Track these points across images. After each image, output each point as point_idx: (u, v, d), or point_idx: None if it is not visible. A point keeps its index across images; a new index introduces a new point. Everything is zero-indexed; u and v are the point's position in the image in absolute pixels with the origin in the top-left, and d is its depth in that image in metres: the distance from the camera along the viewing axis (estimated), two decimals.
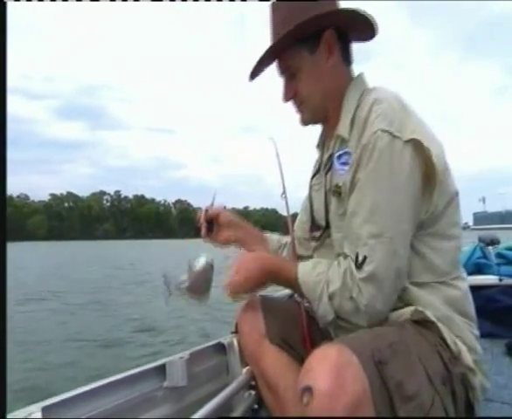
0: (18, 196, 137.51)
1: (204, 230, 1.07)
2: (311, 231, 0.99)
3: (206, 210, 1.08)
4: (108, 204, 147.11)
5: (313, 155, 1.06)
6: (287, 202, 1.10)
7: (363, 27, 0.87)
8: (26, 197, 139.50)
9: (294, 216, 1.14)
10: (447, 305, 0.78)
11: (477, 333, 0.81)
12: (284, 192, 1.11)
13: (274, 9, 0.91)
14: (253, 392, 1.09)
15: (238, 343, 1.12)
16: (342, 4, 0.89)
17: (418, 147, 0.74)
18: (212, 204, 1.08)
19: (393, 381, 0.61)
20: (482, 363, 0.79)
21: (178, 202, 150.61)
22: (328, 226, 0.91)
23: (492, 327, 1.76)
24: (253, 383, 1.07)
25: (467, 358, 0.75)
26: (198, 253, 0.94)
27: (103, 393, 0.79)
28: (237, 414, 1.02)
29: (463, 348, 0.75)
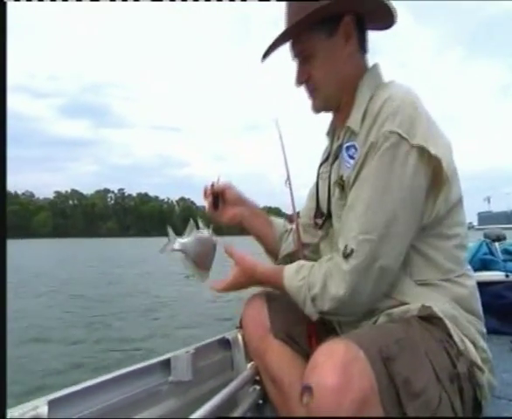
0: (24, 194, 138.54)
1: (209, 205, 1.05)
2: (315, 218, 1.00)
3: (212, 185, 1.05)
4: (112, 202, 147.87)
5: (314, 157, 1.06)
6: (290, 189, 1.09)
7: (381, 15, 0.86)
8: (31, 195, 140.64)
9: (298, 214, 1.12)
10: (454, 302, 0.77)
11: (484, 330, 0.81)
12: (288, 179, 1.10)
13: None
14: (258, 387, 1.09)
15: (243, 338, 1.12)
16: None
17: (425, 153, 0.73)
18: (218, 180, 1.05)
19: (400, 377, 0.60)
20: (489, 361, 0.78)
21: (182, 199, 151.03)
22: (329, 215, 0.92)
23: (498, 324, 1.75)
24: (258, 378, 1.07)
25: (475, 355, 0.75)
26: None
27: (109, 387, 0.79)
28: (241, 409, 1.02)
29: (470, 346, 0.75)
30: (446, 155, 0.75)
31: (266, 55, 0.92)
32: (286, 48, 0.92)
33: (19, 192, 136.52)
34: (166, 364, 0.93)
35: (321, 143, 1.07)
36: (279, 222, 1.15)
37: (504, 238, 2.21)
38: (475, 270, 1.97)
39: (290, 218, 1.13)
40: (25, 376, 3.75)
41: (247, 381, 1.06)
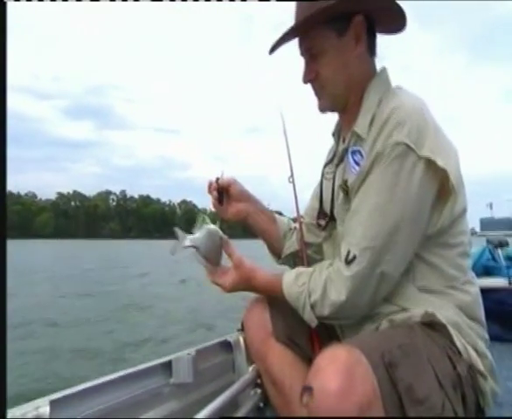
0: (26, 194, 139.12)
1: (213, 200, 1.03)
2: (318, 218, 0.99)
3: (217, 179, 1.02)
4: (114, 204, 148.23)
5: (317, 159, 1.06)
6: (294, 187, 1.08)
7: (391, 18, 0.85)
8: (34, 195, 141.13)
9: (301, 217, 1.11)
10: (458, 309, 0.77)
11: (487, 337, 0.81)
12: (292, 175, 1.09)
13: None
14: (259, 390, 1.09)
15: (245, 341, 1.12)
16: None
17: (432, 165, 0.73)
18: (222, 175, 1.03)
19: (403, 383, 0.60)
20: (492, 368, 0.78)
21: (183, 202, 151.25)
22: (332, 217, 0.92)
23: (501, 331, 1.74)
24: (259, 381, 1.07)
25: (478, 363, 0.74)
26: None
27: (110, 388, 0.79)
28: (242, 412, 1.01)
29: (473, 353, 0.74)
30: (453, 166, 0.75)
31: (273, 49, 0.91)
32: (290, 49, 0.91)
33: (22, 192, 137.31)
34: (167, 366, 0.93)
35: (325, 145, 1.06)
36: (283, 220, 1.14)
37: (507, 244, 2.21)
38: (478, 276, 1.96)
39: (294, 219, 1.12)
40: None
41: (248, 383, 1.05)
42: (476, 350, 0.76)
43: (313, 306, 0.80)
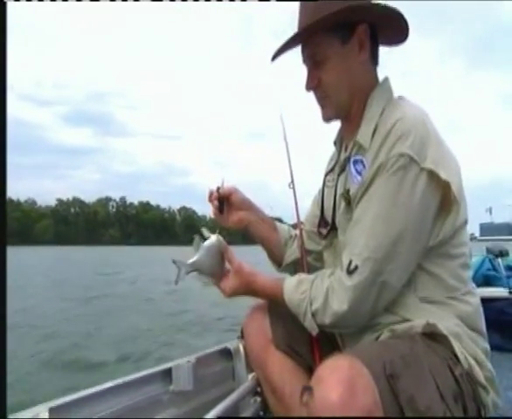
0: (26, 201, 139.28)
1: (214, 209, 1.03)
2: (319, 227, 0.99)
3: (218, 188, 1.02)
4: (114, 210, 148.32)
5: (318, 166, 1.06)
6: (294, 193, 1.08)
7: (394, 28, 0.85)
8: (34, 202, 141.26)
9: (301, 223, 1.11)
10: (459, 320, 0.77)
11: (488, 348, 0.80)
12: (292, 181, 1.09)
13: None
14: (259, 398, 1.08)
15: (244, 348, 1.12)
16: None
17: (434, 177, 0.73)
18: (222, 183, 1.03)
19: (405, 394, 0.60)
20: (493, 379, 0.77)
21: (183, 209, 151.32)
22: (333, 226, 0.92)
23: (501, 340, 1.74)
24: (259, 389, 1.06)
25: (479, 374, 0.74)
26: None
27: (110, 395, 0.79)
28: None
29: (474, 364, 0.74)
30: (455, 178, 0.75)
31: (275, 56, 0.90)
32: (292, 55, 0.90)
33: (22, 199, 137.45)
34: (167, 373, 0.93)
35: (326, 151, 1.05)
36: (284, 228, 1.14)
37: (507, 253, 2.21)
38: (478, 285, 1.96)
39: (294, 225, 1.12)
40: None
41: (248, 391, 1.05)
42: (477, 361, 0.75)
43: (314, 314, 0.80)
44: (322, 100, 0.89)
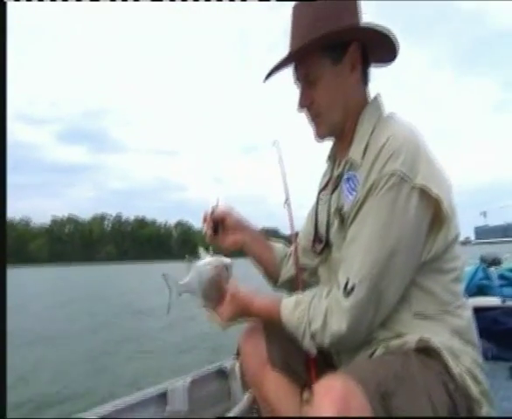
0: (20, 221, 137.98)
1: (209, 232, 1.03)
2: (314, 243, 1.00)
3: (212, 211, 1.02)
4: (109, 227, 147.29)
5: (315, 177, 1.06)
6: (289, 211, 1.09)
7: (385, 49, 0.87)
8: (28, 221, 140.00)
9: (297, 234, 1.12)
10: (452, 334, 0.78)
11: (481, 360, 0.81)
12: (287, 199, 1.10)
13: (299, 11, 0.89)
14: (256, 417, 1.07)
15: (240, 367, 1.11)
16: None
17: (426, 194, 0.74)
18: (217, 205, 1.03)
19: (399, 412, 0.60)
20: (488, 393, 0.77)
21: (179, 224, 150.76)
22: (327, 243, 0.93)
23: (496, 350, 1.74)
24: (256, 408, 1.06)
25: (473, 389, 0.74)
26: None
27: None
28: None
29: (468, 377, 0.74)
30: (446, 195, 0.76)
31: (268, 76, 0.92)
32: (287, 70, 0.91)
33: (16, 218, 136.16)
34: (163, 395, 0.92)
35: (323, 162, 1.06)
36: (279, 246, 1.15)
37: (500, 262, 2.23)
38: (472, 295, 1.99)
39: (289, 240, 1.13)
40: None
41: (244, 411, 1.04)
42: (471, 374, 0.75)
43: (313, 335, 0.80)
44: (315, 119, 0.91)
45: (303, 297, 0.86)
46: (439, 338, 0.75)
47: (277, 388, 0.93)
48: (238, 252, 1.09)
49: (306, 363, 0.93)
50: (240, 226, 1.07)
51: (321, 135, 0.93)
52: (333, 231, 0.90)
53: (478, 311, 1.84)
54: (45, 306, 12.08)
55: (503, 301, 1.89)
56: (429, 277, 0.79)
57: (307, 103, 0.90)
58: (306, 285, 1.06)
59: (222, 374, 1.13)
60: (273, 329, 0.99)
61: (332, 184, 0.94)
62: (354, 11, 0.87)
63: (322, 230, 0.96)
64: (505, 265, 2.18)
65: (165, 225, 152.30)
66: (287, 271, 1.11)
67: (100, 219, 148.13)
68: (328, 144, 1.02)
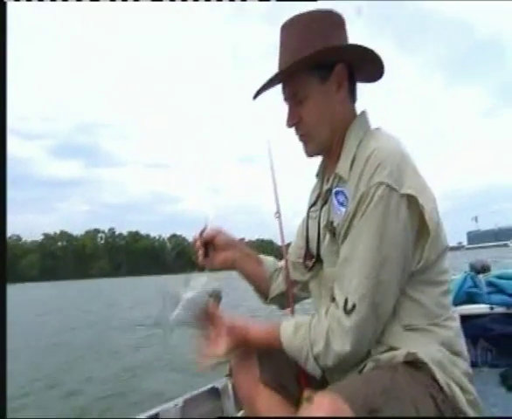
0: (10, 238, 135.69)
1: (200, 257, 1.04)
2: (305, 259, 1.00)
3: (201, 233, 1.04)
4: (103, 242, 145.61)
5: (308, 186, 1.07)
6: (280, 223, 1.10)
7: (371, 68, 0.90)
8: (18, 238, 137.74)
9: (288, 245, 1.13)
10: (441, 346, 0.79)
11: (470, 370, 0.82)
12: (278, 211, 1.11)
13: (287, 31, 0.91)
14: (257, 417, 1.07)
15: (233, 386, 1.11)
16: None
17: (413, 202, 0.76)
18: (205, 227, 1.04)
19: None
20: (476, 403, 0.79)
21: (173, 236, 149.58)
22: (318, 258, 0.94)
23: (485, 357, 1.77)
24: None
25: (461, 399, 0.75)
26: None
27: None
28: None
29: (456, 389, 0.76)
30: (430, 205, 0.78)
31: (257, 95, 0.93)
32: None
33: (7, 234, 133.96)
34: None
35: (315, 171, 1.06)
36: (269, 261, 1.15)
37: (489, 269, 2.28)
38: (461, 303, 2.02)
39: (280, 254, 1.13)
40: None
41: None
42: (459, 385, 0.77)
43: (316, 358, 0.80)
44: (304, 137, 0.93)
45: (302, 320, 0.85)
46: (428, 350, 0.77)
47: (269, 405, 0.94)
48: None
49: (298, 380, 0.94)
50: (230, 244, 1.08)
51: (309, 153, 0.95)
52: (324, 246, 0.91)
53: (467, 318, 1.88)
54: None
55: (491, 308, 1.92)
56: (419, 289, 0.80)
57: (294, 121, 0.91)
58: (296, 299, 1.08)
59: (215, 393, 1.13)
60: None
61: (322, 199, 0.95)
62: (341, 31, 0.90)
63: (313, 245, 0.97)
64: (493, 272, 2.23)
65: (159, 238, 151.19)
66: (277, 286, 1.12)
67: (94, 234, 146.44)
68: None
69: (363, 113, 0.93)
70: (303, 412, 0.61)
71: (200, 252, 1.05)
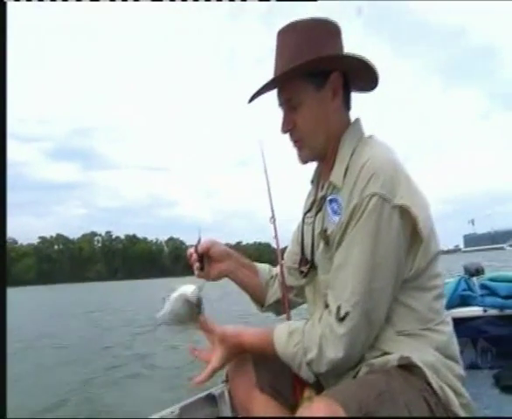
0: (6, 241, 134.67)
1: (197, 271, 1.05)
2: (300, 264, 1.01)
3: (196, 247, 1.05)
4: (99, 245, 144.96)
5: (304, 190, 1.08)
6: (275, 228, 1.10)
7: (365, 77, 0.91)
8: (14, 241, 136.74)
9: (284, 249, 1.14)
10: (434, 350, 0.80)
11: (462, 373, 0.83)
12: (273, 216, 1.11)
13: (283, 37, 0.91)
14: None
15: (229, 392, 1.12)
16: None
17: (405, 212, 0.77)
18: (199, 240, 1.04)
19: None
20: (469, 406, 0.80)
21: (170, 240, 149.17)
22: (313, 265, 0.95)
23: (479, 359, 1.79)
24: None
25: (454, 402, 0.77)
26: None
27: None
28: None
29: (450, 393, 0.77)
30: (423, 214, 0.79)
31: (252, 99, 0.94)
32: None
33: None
34: None
35: (305, 191, 1.07)
36: (264, 268, 1.16)
37: (483, 272, 2.31)
38: (455, 306, 2.04)
39: (276, 259, 1.14)
40: None
41: None
42: (452, 389, 0.78)
43: (309, 364, 0.80)
44: (298, 143, 0.93)
45: (295, 326, 0.86)
46: (422, 354, 0.78)
47: (266, 411, 0.95)
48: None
49: (293, 386, 0.95)
50: (224, 255, 1.09)
51: (303, 159, 0.96)
52: (318, 253, 0.92)
53: (461, 321, 1.90)
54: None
55: (485, 311, 1.94)
56: (411, 295, 0.82)
57: (289, 127, 0.92)
58: (292, 305, 1.09)
59: (211, 400, 1.14)
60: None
61: (316, 206, 0.96)
62: (336, 40, 0.92)
63: (308, 251, 0.98)
64: (486, 275, 2.26)
65: (156, 242, 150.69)
66: (273, 293, 1.13)
67: (90, 237, 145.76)
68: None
69: (357, 120, 0.94)
70: (301, 413, 0.62)
71: (196, 265, 1.06)
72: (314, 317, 0.84)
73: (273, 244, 1.14)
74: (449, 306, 1.94)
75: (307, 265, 0.97)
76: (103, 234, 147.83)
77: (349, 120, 0.94)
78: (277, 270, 1.15)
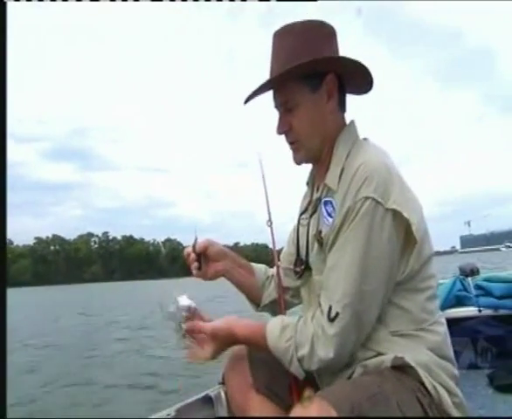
0: None
1: (195, 271, 1.06)
2: (295, 265, 1.02)
3: (193, 247, 1.05)
4: (96, 246, 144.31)
5: (301, 192, 1.09)
6: (272, 231, 1.11)
7: (360, 80, 0.92)
8: (10, 242, 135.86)
9: (281, 250, 1.15)
10: (428, 350, 0.81)
11: (456, 373, 0.84)
12: (269, 219, 1.12)
13: (279, 39, 0.92)
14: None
15: (226, 394, 1.12)
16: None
17: (398, 216, 0.78)
18: (196, 240, 1.05)
19: None
20: (463, 405, 0.81)
21: (168, 240, 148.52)
22: (307, 266, 0.95)
23: (474, 359, 1.80)
24: None
25: (448, 402, 0.77)
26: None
27: None
28: None
29: (443, 392, 0.78)
30: (416, 217, 0.80)
31: (248, 100, 0.94)
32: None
33: None
34: None
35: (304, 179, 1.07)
36: (261, 269, 1.17)
37: (478, 272, 2.32)
38: (450, 306, 2.06)
39: (272, 261, 1.15)
40: None
41: None
42: (446, 389, 0.79)
43: (300, 360, 0.82)
44: (293, 145, 0.94)
45: (288, 321, 0.87)
46: (416, 354, 0.79)
47: (262, 412, 0.95)
48: None
49: (290, 387, 0.96)
50: (221, 255, 1.09)
51: (298, 161, 0.96)
52: (312, 254, 0.93)
53: (456, 321, 1.91)
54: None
55: (479, 311, 1.96)
56: (404, 296, 0.82)
57: (285, 129, 0.93)
58: (288, 306, 1.10)
59: (208, 401, 1.14)
60: (257, 354, 1.01)
61: (311, 208, 0.97)
62: (332, 43, 0.92)
63: (303, 252, 0.98)
64: (481, 275, 2.28)
65: (154, 242, 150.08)
66: (269, 294, 1.13)
67: (87, 238, 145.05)
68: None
69: (352, 122, 0.95)
70: (294, 413, 0.62)
71: (194, 265, 1.06)
72: (307, 315, 0.85)
73: (271, 245, 1.14)
74: (444, 307, 1.96)
75: (302, 266, 0.98)
76: (100, 235, 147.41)
77: (344, 121, 0.95)
78: (273, 270, 1.15)
